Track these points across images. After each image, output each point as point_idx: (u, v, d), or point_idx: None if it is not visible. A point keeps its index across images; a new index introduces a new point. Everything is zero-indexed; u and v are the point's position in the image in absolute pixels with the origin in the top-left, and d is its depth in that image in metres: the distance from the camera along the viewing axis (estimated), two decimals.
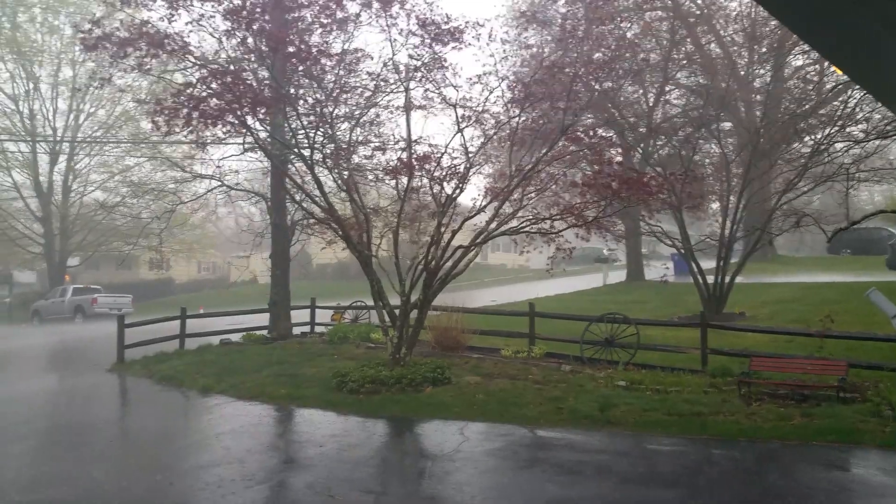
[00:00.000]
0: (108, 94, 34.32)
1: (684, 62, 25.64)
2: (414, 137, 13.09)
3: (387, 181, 13.96)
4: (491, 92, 12.33)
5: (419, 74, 12.46)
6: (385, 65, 13.12)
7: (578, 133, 12.10)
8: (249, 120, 13.06)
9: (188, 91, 12.53)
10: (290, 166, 15.50)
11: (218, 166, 16.30)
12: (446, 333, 13.74)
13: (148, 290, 44.59)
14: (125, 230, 38.97)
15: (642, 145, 23.46)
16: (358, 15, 13.68)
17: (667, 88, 26.09)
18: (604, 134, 16.35)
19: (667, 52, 24.71)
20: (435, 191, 12.22)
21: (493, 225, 11.85)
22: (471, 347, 13.86)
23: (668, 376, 10.81)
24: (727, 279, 16.63)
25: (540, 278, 28.33)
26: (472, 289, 25.88)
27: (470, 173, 12.01)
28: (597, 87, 13.92)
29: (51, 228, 41.57)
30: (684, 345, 12.69)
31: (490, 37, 12.43)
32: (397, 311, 12.28)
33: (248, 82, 12.77)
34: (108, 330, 18.50)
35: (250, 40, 12.50)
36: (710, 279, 16.70)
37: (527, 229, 11.93)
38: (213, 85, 12.71)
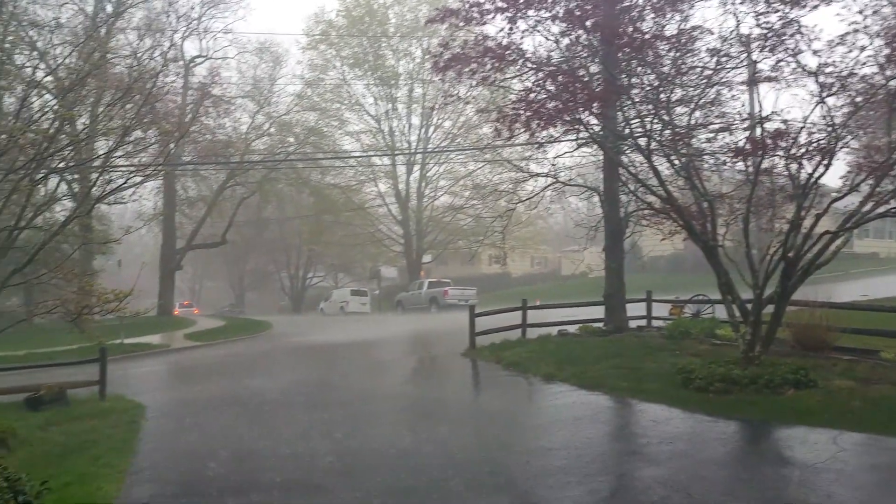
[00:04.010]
0: (453, 107, 37.85)
1: None
2: (763, 114, 11.92)
3: (730, 165, 12.96)
4: (862, 50, 10.66)
5: (768, 43, 11.32)
6: (725, 39, 12.22)
7: None
8: (583, 116, 13.20)
9: (528, 97, 13.10)
10: (623, 157, 15.33)
11: (553, 164, 16.83)
12: (808, 331, 12.25)
13: (488, 283, 48.16)
14: (468, 229, 42.66)
15: None
16: None
17: None
18: None
19: None
20: (792, 170, 10.99)
21: (868, 206, 10.24)
22: (839, 348, 12.16)
23: None
24: None
25: None
26: (835, 281, 22.83)
27: (837, 148, 10.54)
28: None
29: (408, 230, 47.37)
30: None
31: None
32: (748, 306, 11.32)
33: (583, 79, 12.91)
34: (458, 318, 20.35)
35: (584, 37, 12.62)
36: None
37: None
38: (549, 86, 13.11)
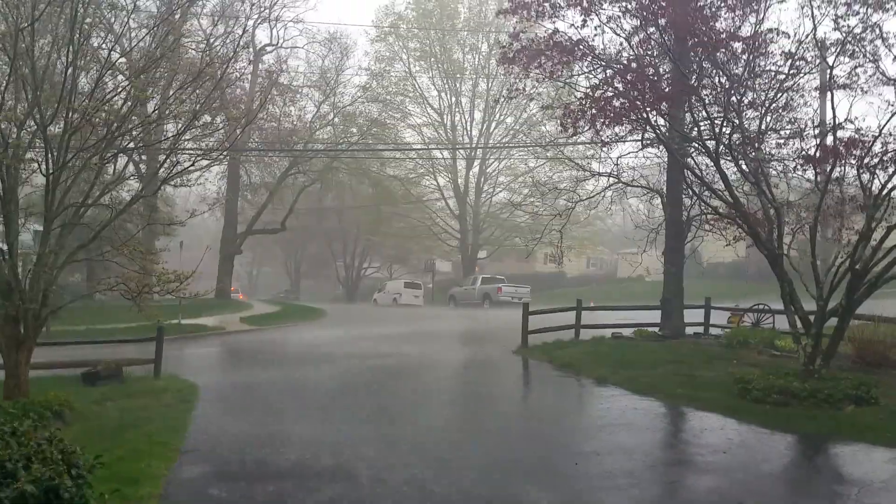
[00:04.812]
0: (516, 103, 37.60)
1: None
2: (837, 121, 11.47)
3: (800, 172, 12.52)
4: None
5: (846, 48, 10.87)
6: (801, 42, 11.77)
7: None
8: (651, 115, 12.94)
9: (596, 93, 12.91)
10: (689, 160, 14.96)
11: (616, 164, 16.54)
12: (871, 346, 11.78)
13: (542, 282, 47.79)
14: (525, 226, 42.39)
15: None
16: None
17: None
18: None
19: None
20: (864, 180, 10.55)
21: None
22: None
23: None
24: None
25: None
26: None
27: None
28: None
29: (465, 225, 47.41)
30: None
31: None
32: (811, 318, 10.92)
33: (653, 78, 12.65)
34: (510, 316, 20.27)
35: (655, 34, 12.36)
36: None
37: None
38: (617, 84, 12.88)
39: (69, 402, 9.43)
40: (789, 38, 11.78)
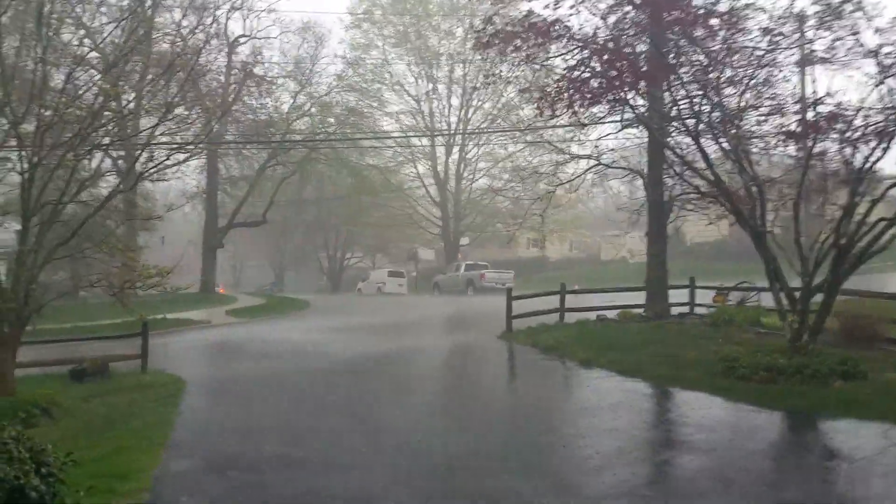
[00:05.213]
0: (494, 88, 37.37)
1: None
2: (817, 96, 11.50)
3: (781, 148, 12.55)
4: None
5: (825, 21, 10.87)
6: (778, 18, 11.77)
7: None
8: (629, 96, 12.89)
9: (571, 75, 12.83)
10: (669, 139, 14.96)
11: (595, 146, 16.51)
12: (857, 322, 11.85)
13: (525, 267, 47.77)
14: (507, 212, 42.36)
15: None
16: None
17: None
18: None
19: None
20: (846, 155, 10.58)
21: None
22: (890, 340, 11.74)
23: None
24: None
25: None
26: (888, 271, 22.08)
27: None
28: None
29: (446, 212, 47.30)
30: None
31: None
32: (796, 294, 10.97)
33: (630, 57, 12.58)
34: (494, 301, 20.24)
35: (632, 13, 12.28)
36: None
37: None
38: (594, 64, 12.79)
39: (56, 400, 9.50)
40: (765, 12, 11.76)
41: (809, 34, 11.30)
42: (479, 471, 6.90)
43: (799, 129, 10.89)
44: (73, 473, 5.24)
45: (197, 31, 26.61)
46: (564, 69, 14.31)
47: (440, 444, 7.99)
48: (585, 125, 14.94)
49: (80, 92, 9.74)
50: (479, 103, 45.61)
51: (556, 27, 13.02)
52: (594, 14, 13.48)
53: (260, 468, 7.02)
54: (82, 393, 10.90)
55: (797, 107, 11.93)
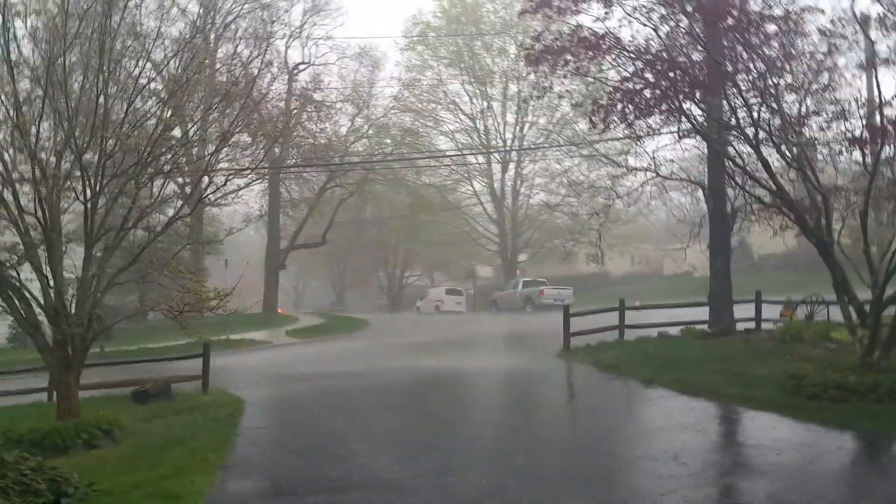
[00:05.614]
0: (548, 103, 37.17)
1: None
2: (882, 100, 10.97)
3: (847, 155, 12.01)
4: None
5: (886, 21, 10.40)
6: (839, 19, 11.30)
7: None
8: (685, 105, 12.58)
9: (624, 86, 12.62)
10: (729, 149, 14.51)
11: (652, 157, 16.12)
12: None
13: (585, 283, 47.06)
14: (565, 227, 41.94)
15: None
16: None
17: None
18: None
19: None
20: None
21: None
22: None
23: None
24: None
25: None
26: None
27: None
28: None
29: (504, 228, 47.17)
30: None
31: None
32: (867, 307, 10.42)
33: (684, 66, 12.29)
34: (552, 319, 19.97)
35: (685, 22, 12.01)
36: None
37: None
38: (647, 75, 12.53)
39: (118, 421, 9.75)
40: (824, 13, 11.33)
41: (873, 35, 10.81)
42: (541, 495, 6.72)
43: (865, 135, 10.39)
44: (133, 495, 5.29)
45: (253, 59, 27.42)
46: (618, 81, 14.08)
47: (498, 466, 7.86)
48: (640, 137, 14.60)
49: (140, 121, 10.12)
50: (534, 119, 45.48)
51: (607, 40, 12.82)
52: (645, 25, 13.22)
53: (317, 491, 7.00)
54: (144, 414, 11.18)
55: (862, 111, 11.38)
